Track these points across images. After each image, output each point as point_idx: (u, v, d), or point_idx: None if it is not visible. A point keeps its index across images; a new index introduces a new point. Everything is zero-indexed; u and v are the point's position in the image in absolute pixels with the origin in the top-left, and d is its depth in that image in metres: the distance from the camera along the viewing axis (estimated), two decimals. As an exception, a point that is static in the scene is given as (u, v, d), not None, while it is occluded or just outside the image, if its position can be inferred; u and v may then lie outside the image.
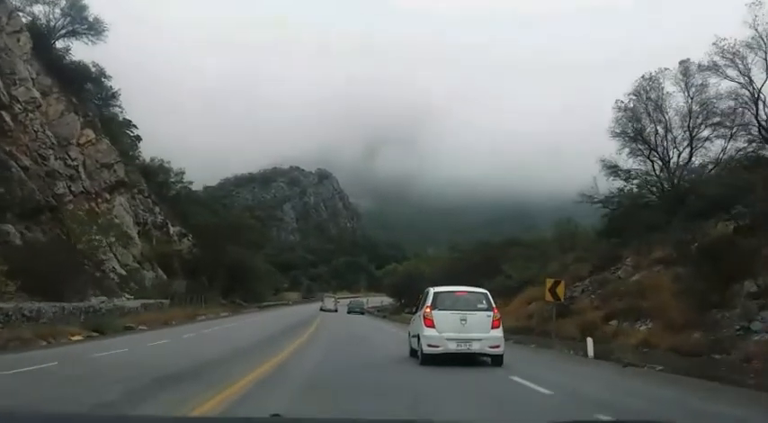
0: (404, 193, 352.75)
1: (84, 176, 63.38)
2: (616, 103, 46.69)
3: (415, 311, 26.25)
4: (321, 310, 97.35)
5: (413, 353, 24.18)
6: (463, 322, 22.33)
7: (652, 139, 45.67)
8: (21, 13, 66.70)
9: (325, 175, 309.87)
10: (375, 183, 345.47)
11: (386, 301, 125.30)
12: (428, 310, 22.72)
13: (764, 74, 37.87)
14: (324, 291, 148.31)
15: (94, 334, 33.15)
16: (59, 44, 73.38)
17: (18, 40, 60.32)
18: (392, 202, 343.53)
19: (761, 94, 38.31)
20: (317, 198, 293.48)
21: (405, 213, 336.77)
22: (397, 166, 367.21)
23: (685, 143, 44.59)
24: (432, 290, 23.81)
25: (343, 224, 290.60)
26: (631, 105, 46.21)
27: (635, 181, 46.40)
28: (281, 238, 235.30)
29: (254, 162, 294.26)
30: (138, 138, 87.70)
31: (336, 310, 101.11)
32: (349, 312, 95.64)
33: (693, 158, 44.62)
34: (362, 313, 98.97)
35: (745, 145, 40.26)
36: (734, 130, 41.26)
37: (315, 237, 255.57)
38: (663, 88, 44.86)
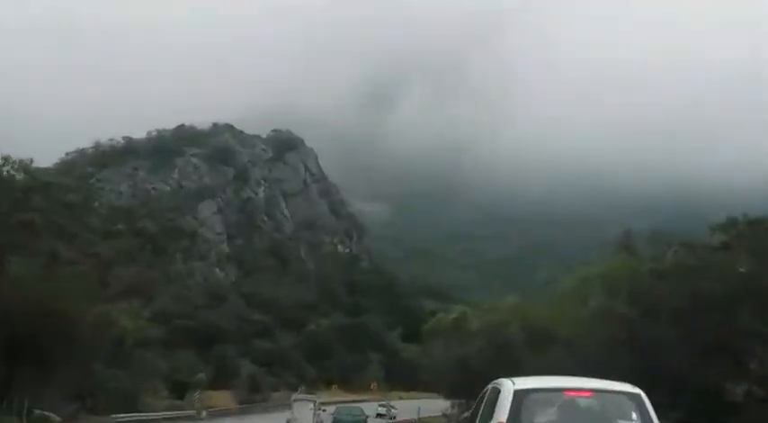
0: (443, 186, 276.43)
1: None
2: None
3: None
4: None
5: None
6: None
7: None
8: None
9: (290, 143, 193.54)
10: (388, 164, 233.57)
11: (432, 405, 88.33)
12: None
13: None
14: (290, 386, 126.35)
15: None
16: None
17: None
18: (421, 202, 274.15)
19: None
20: (273, 190, 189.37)
21: (445, 223, 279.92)
22: (430, 129, 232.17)
23: None
24: (507, 385, 11.86)
25: (328, 246, 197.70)
26: None
27: None
28: (194, 274, 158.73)
29: (142, 121, 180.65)
30: None
31: None
32: None
33: None
34: None
35: None
36: None
37: (268, 273, 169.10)
38: None
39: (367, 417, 67.64)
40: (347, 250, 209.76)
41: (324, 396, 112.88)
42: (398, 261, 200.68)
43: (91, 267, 56.92)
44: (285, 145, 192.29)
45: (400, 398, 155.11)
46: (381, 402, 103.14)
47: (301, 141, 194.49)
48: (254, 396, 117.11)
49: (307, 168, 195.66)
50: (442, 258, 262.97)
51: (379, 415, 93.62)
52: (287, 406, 76.01)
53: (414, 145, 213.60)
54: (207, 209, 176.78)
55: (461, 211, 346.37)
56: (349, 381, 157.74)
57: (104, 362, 61.81)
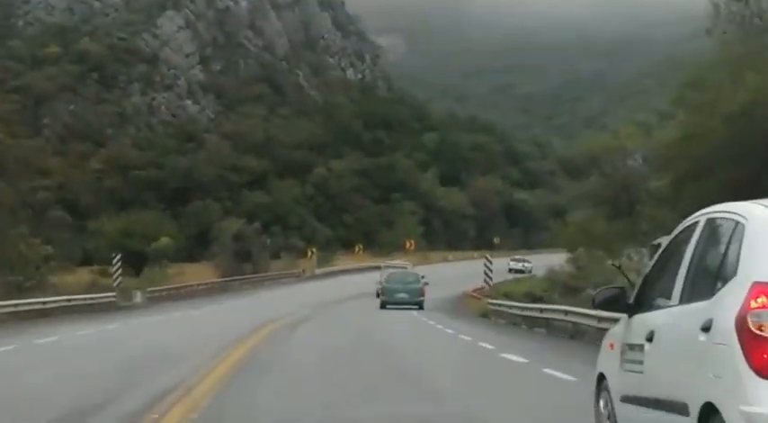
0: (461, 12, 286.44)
1: None
2: None
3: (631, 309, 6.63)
4: (381, 297, 50.55)
5: None
6: None
7: None
8: None
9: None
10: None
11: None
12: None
13: None
14: (295, 251, 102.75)
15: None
16: None
17: None
18: (439, 34, 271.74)
19: None
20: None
21: (469, 57, 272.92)
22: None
23: None
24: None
25: (335, 71, 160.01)
26: None
27: None
28: (157, 110, 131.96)
29: None
30: None
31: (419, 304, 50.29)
32: (384, 305, 48.58)
33: None
34: (417, 304, 49.05)
35: None
36: None
37: (259, 105, 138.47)
38: None
39: (426, 283, 51.31)
40: (359, 76, 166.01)
41: (344, 261, 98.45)
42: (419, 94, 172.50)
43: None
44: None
45: (446, 259, 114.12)
46: (514, 257, 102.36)
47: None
48: (242, 266, 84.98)
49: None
50: (469, 96, 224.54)
51: (513, 270, 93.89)
52: (289, 282, 70.36)
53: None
54: (171, 24, 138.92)
55: (486, 42, 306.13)
56: (375, 240, 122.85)
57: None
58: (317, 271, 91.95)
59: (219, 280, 75.07)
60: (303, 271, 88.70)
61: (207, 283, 71.35)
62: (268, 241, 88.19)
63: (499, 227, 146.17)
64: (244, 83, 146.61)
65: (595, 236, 60.44)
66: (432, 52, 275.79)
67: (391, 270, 56.49)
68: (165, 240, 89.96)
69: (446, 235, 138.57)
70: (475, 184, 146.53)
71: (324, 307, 48.78)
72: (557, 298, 48.50)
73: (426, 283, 60.40)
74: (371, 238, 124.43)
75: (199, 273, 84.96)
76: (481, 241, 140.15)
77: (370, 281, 71.48)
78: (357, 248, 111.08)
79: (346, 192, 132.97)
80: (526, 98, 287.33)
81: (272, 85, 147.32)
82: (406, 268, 65.40)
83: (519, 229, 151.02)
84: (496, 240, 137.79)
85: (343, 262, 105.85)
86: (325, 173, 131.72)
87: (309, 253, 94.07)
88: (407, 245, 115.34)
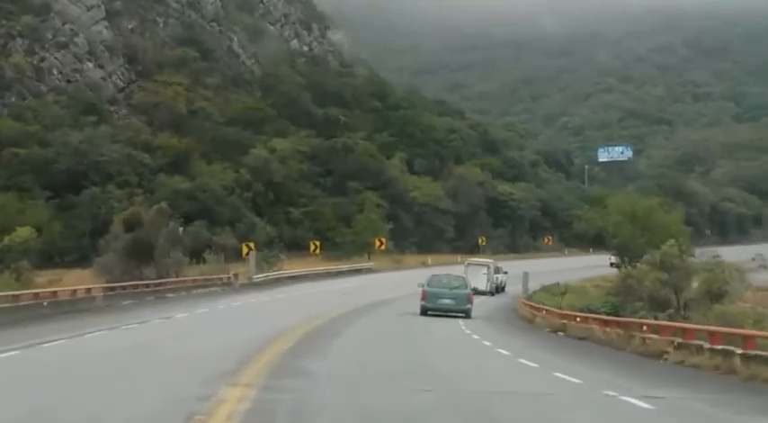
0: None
1: None
2: None
3: None
4: (422, 303, 41.78)
5: None
6: None
7: None
8: None
9: None
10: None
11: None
12: None
13: None
14: (231, 251, 73.02)
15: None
16: None
17: None
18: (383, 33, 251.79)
19: None
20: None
21: (417, 56, 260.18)
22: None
23: None
24: None
25: (276, 41, 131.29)
26: None
27: None
28: (47, 74, 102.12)
29: None
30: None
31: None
32: (425, 311, 41.35)
33: None
34: (464, 312, 41.89)
35: None
36: None
37: (181, 73, 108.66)
38: None
39: (472, 289, 45.22)
40: (305, 48, 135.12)
41: (294, 265, 73.43)
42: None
43: None
44: None
45: (424, 264, 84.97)
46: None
47: None
48: (141, 269, 54.82)
49: None
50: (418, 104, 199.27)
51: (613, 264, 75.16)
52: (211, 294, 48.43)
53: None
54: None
55: (438, 39, 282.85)
56: (331, 240, 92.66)
57: None
58: (256, 277, 60.61)
59: (98, 286, 43.37)
60: (235, 276, 57.18)
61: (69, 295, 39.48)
62: (180, 231, 56.69)
63: (482, 225, 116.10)
64: (163, 46, 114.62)
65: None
66: (379, 49, 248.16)
67: (434, 273, 48.18)
68: (24, 232, 58.15)
69: (418, 234, 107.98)
70: (452, 173, 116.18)
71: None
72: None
73: (506, 273, 68.27)
74: (326, 236, 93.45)
75: (84, 280, 53.83)
76: (461, 242, 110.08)
77: (333, 294, 52.85)
78: (312, 247, 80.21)
79: (293, 179, 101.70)
80: (480, 97, 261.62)
81: (199, 50, 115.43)
82: (488, 267, 65.11)
83: (504, 228, 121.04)
84: (482, 241, 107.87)
85: (292, 266, 74.74)
86: (265, 154, 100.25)
87: (245, 251, 62.91)
88: (377, 244, 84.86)
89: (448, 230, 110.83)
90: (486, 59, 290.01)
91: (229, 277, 55.86)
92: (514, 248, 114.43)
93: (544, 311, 41.06)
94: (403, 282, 70.18)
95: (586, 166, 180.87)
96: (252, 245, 64.86)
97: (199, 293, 48.73)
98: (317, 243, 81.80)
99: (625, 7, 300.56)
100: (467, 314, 40.94)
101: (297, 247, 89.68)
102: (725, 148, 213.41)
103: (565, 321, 35.31)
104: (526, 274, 59.84)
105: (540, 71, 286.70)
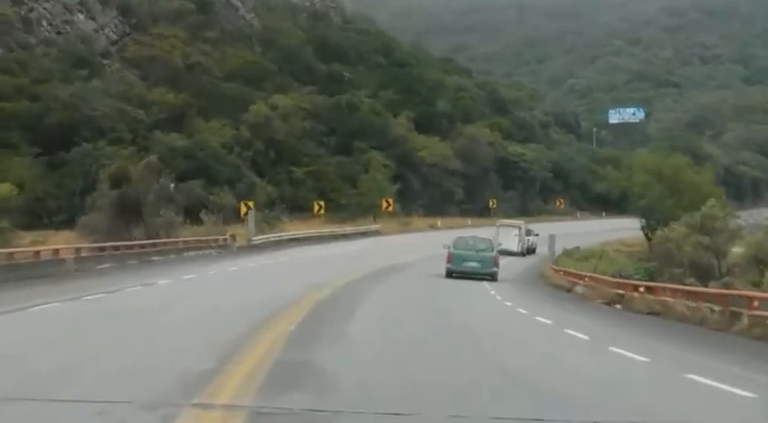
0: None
1: None
2: None
3: None
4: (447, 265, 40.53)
5: None
6: None
7: None
8: None
9: None
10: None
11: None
12: None
13: None
14: (230, 212, 66.05)
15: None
16: None
17: None
18: None
19: None
20: None
21: (420, 16, 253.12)
22: None
23: None
24: None
25: None
26: None
27: None
28: (36, 25, 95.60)
29: None
30: None
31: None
32: (451, 273, 39.93)
33: None
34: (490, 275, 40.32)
35: None
36: None
37: (178, 26, 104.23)
38: None
39: (503, 250, 48.56)
40: (307, 3, 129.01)
41: (296, 227, 67.82)
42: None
43: None
44: None
45: (434, 226, 80.00)
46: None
47: None
48: (129, 229, 49.65)
49: None
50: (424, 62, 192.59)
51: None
52: (205, 257, 44.03)
53: None
54: None
55: (440, 0, 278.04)
56: (335, 201, 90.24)
57: None
58: (256, 239, 55.09)
59: (68, 247, 37.95)
60: (233, 238, 51.62)
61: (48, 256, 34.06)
62: (172, 187, 51.17)
63: (493, 187, 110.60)
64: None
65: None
66: (381, 11, 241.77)
67: (459, 234, 46.32)
68: (3, 189, 52.62)
69: (426, 196, 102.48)
70: (461, 133, 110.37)
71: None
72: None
73: (537, 234, 68.08)
74: (330, 197, 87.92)
75: (70, 242, 48.47)
76: (471, 205, 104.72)
77: (340, 258, 48.41)
78: (316, 208, 74.70)
79: (295, 137, 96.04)
80: (485, 59, 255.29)
81: (195, 3, 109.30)
82: (519, 229, 65.73)
83: (515, 191, 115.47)
84: (492, 204, 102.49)
85: (295, 228, 69.35)
86: (265, 111, 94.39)
87: (244, 210, 57.36)
88: (384, 205, 79.50)
89: (457, 192, 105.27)
90: (488, 21, 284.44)
91: (226, 239, 50.29)
92: (525, 211, 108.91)
93: (586, 278, 35.66)
94: (413, 245, 65.04)
95: (594, 129, 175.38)
96: (251, 204, 59.21)
97: (191, 256, 43.21)
98: (322, 204, 76.23)
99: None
100: (493, 277, 39.45)
101: (300, 209, 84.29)
102: (735, 111, 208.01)
103: (621, 291, 29.86)
104: (552, 237, 54.45)
105: (545, 33, 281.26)
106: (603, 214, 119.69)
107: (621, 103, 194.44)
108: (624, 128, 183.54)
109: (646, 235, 64.82)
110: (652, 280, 37.83)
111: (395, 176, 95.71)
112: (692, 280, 39.27)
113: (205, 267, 36.34)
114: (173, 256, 41.40)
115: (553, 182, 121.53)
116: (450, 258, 39.79)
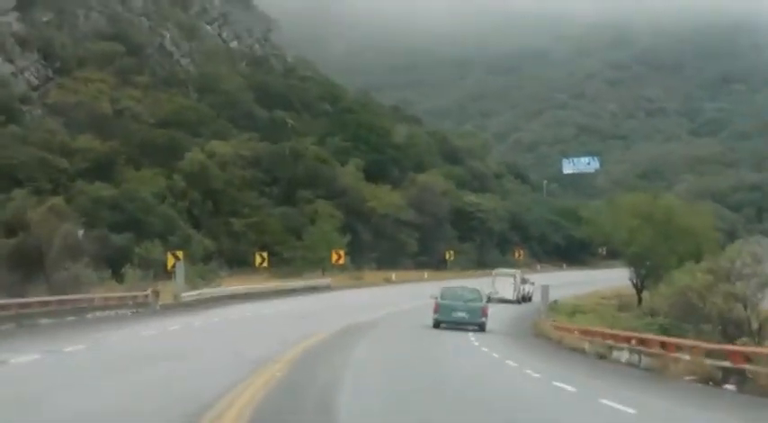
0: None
1: None
2: None
3: None
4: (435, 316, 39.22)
5: None
6: None
7: None
8: None
9: None
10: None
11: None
12: None
13: None
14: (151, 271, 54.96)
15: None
16: None
17: None
18: (328, 49, 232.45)
19: None
20: None
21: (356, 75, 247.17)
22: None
23: None
24: None
25: (213, 40, 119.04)
26: None
27: None
28: None
29: None
30: None
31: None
32: (438, 324, 38.89)
33: None
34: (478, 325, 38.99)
35: None
36: None
37: (105, 70, 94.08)
38: None
39: (488, 302, 43.22)
40: (246, 49, 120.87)
41: (236, 281, 59.28)
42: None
43: None
44: None
45: (388, 280, 71.01)
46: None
47: None
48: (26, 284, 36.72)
49: None
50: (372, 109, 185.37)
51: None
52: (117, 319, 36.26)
53: None
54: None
55: (382, 57, 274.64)
56: (279, 254, 76.81)
57: None
58: (186, 295, 45.59)
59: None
60: (155, 294, 42.12)
61: None
62: (80, 234, 41.89)
63: (448, 239, 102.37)
64: (84, 40, 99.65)
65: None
66: (322, 67, 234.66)
67: (446, 285, 44.78)
68: None
69: (378, 248, 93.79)
70: (414, 181, 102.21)
71: None
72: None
73: (533, 283, 67.75)
74: (274, 251, 78.83)
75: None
76: (426, 257, 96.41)
77: (288, 317, 41.43)
78: (259, 259, 65.52)
79: (234, 186, 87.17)
80: (429, 114, 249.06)
81: (126, 46, 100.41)
82: (514, 277, 66.71)
83: (472, 242, 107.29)
84: (450, 256, 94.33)
85: (235, 283, 60.16)
86: (202, 158, 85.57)
87: (171, 261, 47.87)
88: (334, 257, 70.81)
89: (411, 244, 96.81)
90: (431, 78, 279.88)
91: (146, 296, 40.94)
92: (483, 264, 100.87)
93: (605, 337, 26.98)
94: (375, 300, 56.75)
95: (545, 181, 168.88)
96: (180, 254, 49.90)
97: (97, 318, 33.98)
98: (264, 255, 67.11)
99: (571, 25, 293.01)
100: (481, 327, 38.43)
101: (240, 263, 75.36)
102: (685, 163, 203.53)
103: (675, 355, 21.40)
104: (546, 288, 46.04)
105: (489, 88, 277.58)
106: (564, 267, 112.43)
107: (569, 155, 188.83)
108: (574, 179, 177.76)
109: (635, 286, 56.76)
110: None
111: (344, 228, 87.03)
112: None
113: (109, 332, 27.18)
114: (71, 317, 32.11)
115: (510, 233, 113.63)
116: (438, 309, 38.55)
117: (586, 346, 30.31)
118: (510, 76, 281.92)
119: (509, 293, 63.49)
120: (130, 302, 38.06)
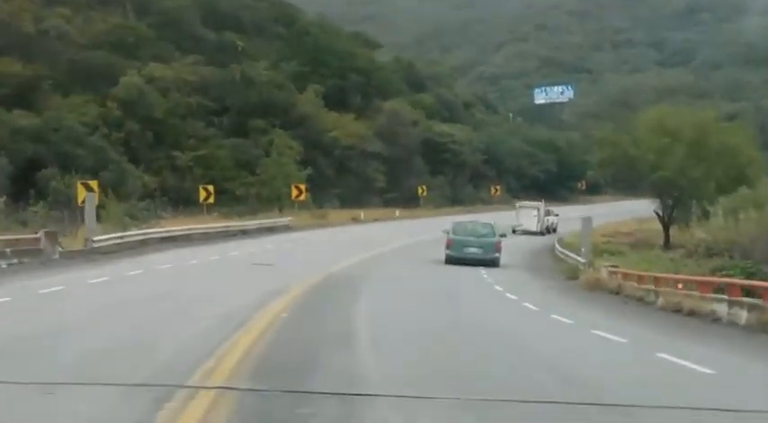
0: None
1: None
2: None
3: None
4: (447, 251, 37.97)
5: None
6: None
7: None
8: None
9: None
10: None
11: None
12: None
13: None
14: None
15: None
16: None
17: None
18: None
19: None
20: None
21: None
22: None
23: None
24: None
25: None
26: None
27: None
28: None
29: None
30: None
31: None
32: (450, 260, 37.61)
33: None
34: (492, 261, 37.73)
35: None
36: None
37: None
38: None
39: (503, 235, 40.85)
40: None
41: (177, 222, 50.23)
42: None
43: None
44: None
45: (356, 219, 59.40)
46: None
47: None
48: None
49: None
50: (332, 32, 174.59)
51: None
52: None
53: None
54: None
55: None
56: (229, 191, 65.18)
57: None
58: (98, 239, 34.28)
59: None
60: (51, 237, 30.72)
61: None
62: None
63: (419, 173, 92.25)
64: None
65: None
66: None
67: (459, 219, 45.24)
68: None
69: (342, 184, 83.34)
70: (380, 110, 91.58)
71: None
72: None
73: (557, 215, 71.33)
74: (224, 188, 68.26)
75: None
76: (395, 194, 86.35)
77: (239, 264, 32.07)
78: (203, 194, 55.04)
79: (178, 115, 76.10)
80: (387, 49, 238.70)
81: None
82: (538, 209, 67.23)
83: (445, 177, 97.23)
84: (422, 192, 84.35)
85: (179, 224, 49.51)
86: (139, 83, 74.18)
87: (82, 194, 36.53)
88: (294, 193, 60.42)
89: (378, 179, 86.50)
90: (388, 12, 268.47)
91: (37, 239, 29.92)
92: (456, 200, 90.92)
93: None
94: (347, 242, 46.95)
95: (510, 114, 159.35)
96: (93, 184, 38.86)
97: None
98: (210, 189, 56.46)
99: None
100: (494, 263, 37.28)
101: (186, 202, 64.70)
102: (656, 94, 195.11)
103: None
104: (588, 220, 36.20)
105: (448, 22, 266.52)
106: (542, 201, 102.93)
107: (541, 84, 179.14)
108: (542, 112, 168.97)
109: (661, 220, 46.97)
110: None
111: (303, 162, 76.42)
112: None
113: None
114: None
115: (485, 167, 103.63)
116: (450, 244, 37.86)
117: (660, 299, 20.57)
118: (469, 10, 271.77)
119: (533, 225, 64.66)
120: (8, 251, 27.11)
